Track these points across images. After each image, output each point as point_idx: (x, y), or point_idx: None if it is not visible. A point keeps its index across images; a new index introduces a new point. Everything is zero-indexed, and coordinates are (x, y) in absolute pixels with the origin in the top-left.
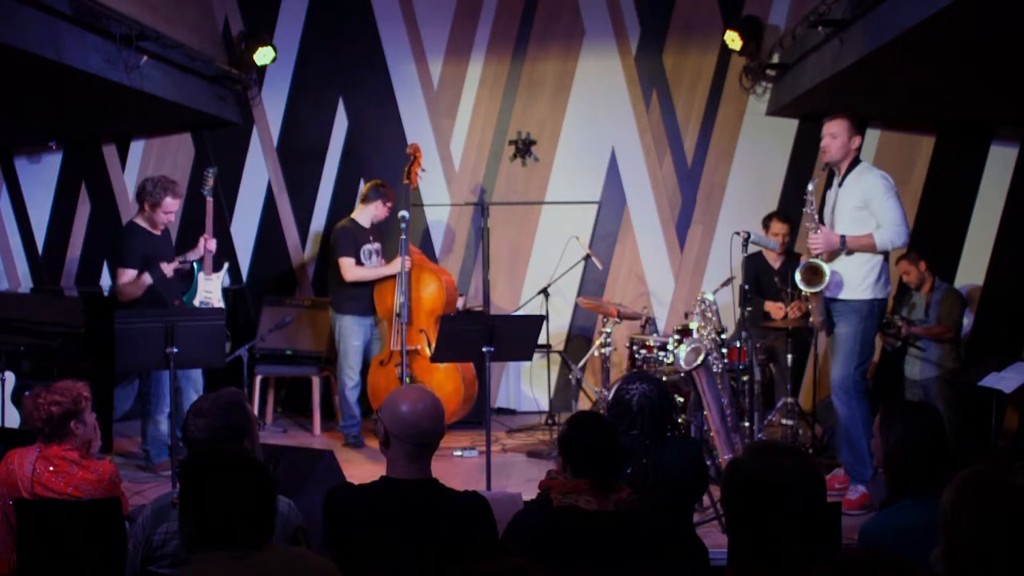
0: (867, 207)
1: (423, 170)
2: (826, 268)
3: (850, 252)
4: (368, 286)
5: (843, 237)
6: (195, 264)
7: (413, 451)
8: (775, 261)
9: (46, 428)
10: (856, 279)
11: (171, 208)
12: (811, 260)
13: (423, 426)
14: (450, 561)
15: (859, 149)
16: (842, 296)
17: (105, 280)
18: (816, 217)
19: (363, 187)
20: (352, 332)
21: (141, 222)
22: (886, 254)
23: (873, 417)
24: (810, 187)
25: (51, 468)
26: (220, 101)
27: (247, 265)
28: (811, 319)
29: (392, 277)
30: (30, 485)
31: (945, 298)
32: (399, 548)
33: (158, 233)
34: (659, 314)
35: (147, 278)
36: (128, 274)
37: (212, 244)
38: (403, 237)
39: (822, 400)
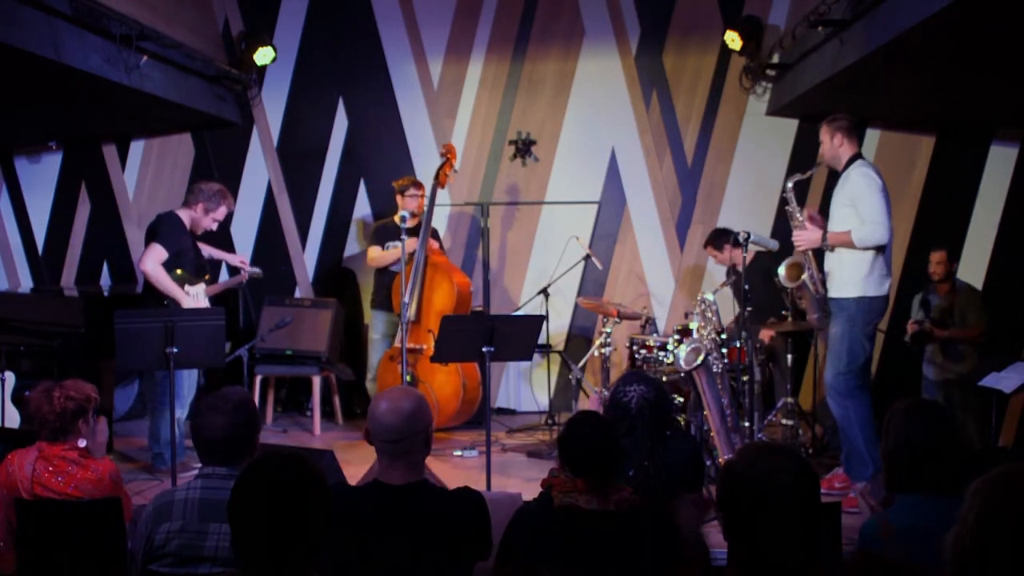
0: (853, 205)
1: (455, 171)
2: (804, 264)
3: (832, 248)
4: (389, 282)
5: (824, 233)
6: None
7: (386, 448)
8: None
9: (57, 423)
10: (845, 276)
11: (221, 217)
12: (793, 257)
13: (387, 421)
14: (443, 561)
15: (853, 146)
16: (832, 294)
17: (105, 280)
18: (798, 215)
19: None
20: (373, 326)
21: (184, 217)
22: (881, 250)
23: (876, 417)
24: (789, 184)
25: (51, 468)
26: (220, 101)
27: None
28: (807, 317)
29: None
30: (30, 485)
31: (971, 298)
32: (390, 552)
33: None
34: (659, 314)
35: (169, 283)
36: (159, 251)
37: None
38: (403, 237)
39: (822, 400)
